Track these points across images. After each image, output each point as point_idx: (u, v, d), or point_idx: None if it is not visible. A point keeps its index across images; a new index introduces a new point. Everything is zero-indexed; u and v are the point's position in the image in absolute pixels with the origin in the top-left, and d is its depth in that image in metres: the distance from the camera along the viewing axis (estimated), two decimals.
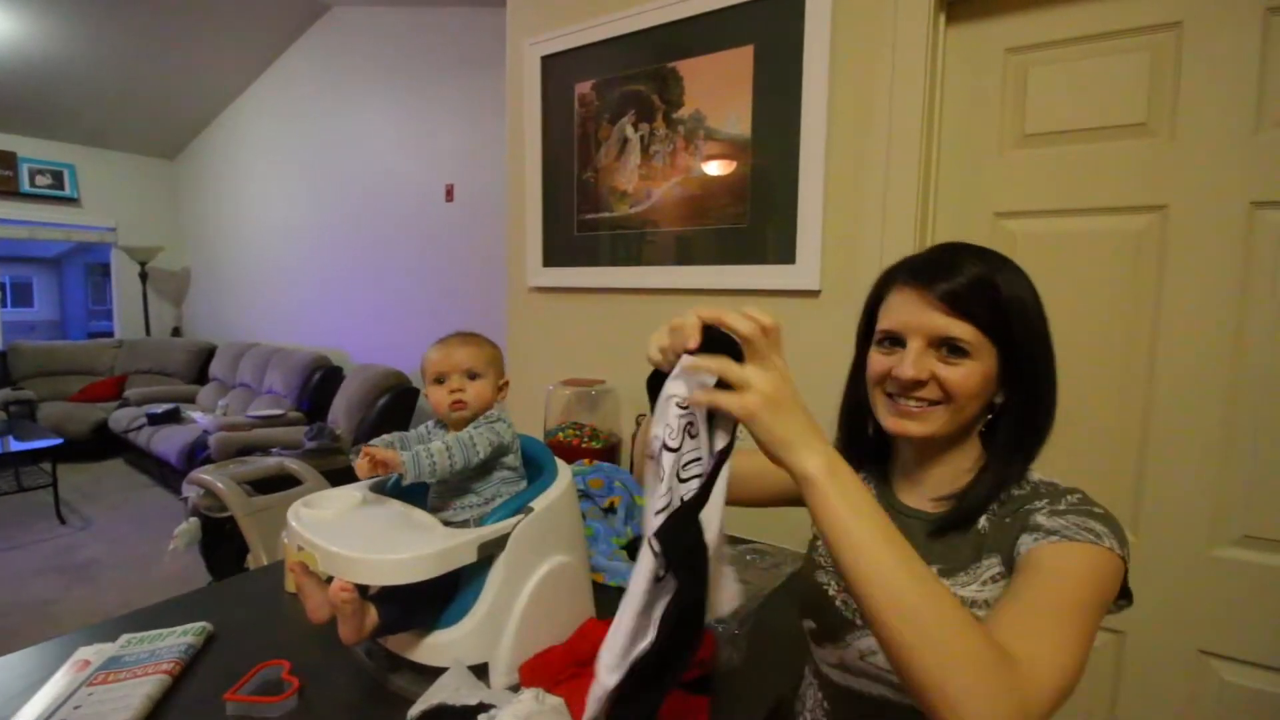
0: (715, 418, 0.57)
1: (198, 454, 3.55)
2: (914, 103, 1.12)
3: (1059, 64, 1.09)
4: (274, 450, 3.15)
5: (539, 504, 0.88)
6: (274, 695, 0.79)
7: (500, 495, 0.92)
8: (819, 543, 0.80)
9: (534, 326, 1.71)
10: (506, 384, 0.99)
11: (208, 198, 5.49)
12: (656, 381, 0.62)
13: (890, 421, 0.67)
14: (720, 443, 0.57)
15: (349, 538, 0.77)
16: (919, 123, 1.12)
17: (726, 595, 0.63)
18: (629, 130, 1.50)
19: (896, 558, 0.50)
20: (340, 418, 3.60)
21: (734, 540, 1.24)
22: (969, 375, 0.62)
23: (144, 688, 0.77)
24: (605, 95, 1.53)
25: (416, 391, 3.65)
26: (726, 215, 1.36)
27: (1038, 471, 0.68)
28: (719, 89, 1.36)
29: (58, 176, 5.11)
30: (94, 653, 0.85)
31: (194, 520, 2.22)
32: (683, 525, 0.55)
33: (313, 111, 4.40)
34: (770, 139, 1.29)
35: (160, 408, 4.22)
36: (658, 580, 0.57)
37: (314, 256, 4.54)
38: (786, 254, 1.28)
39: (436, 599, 0.82)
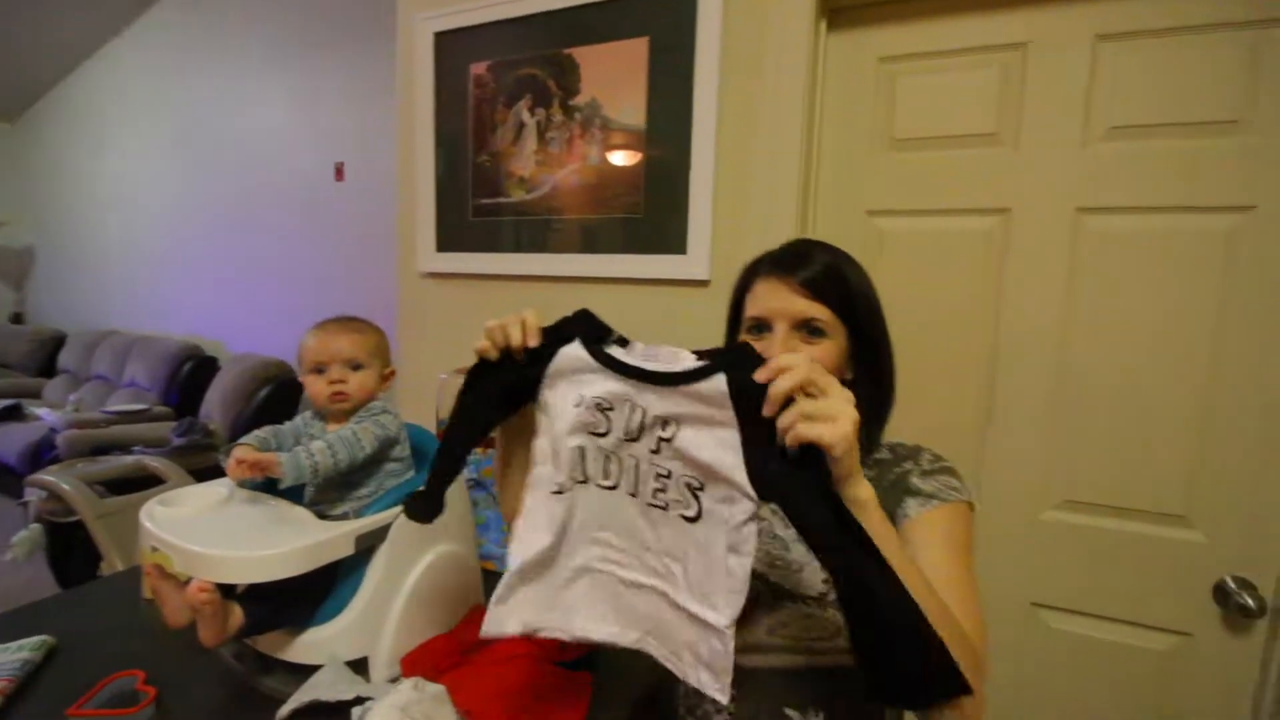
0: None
1: (43, 455, 3.17)
2: (796, 104, 1.18)
3: (923, 75, 1.18)
4: (135, 449, 2.87)
5: None
6: (126, 707, 0.74)
7: (385, 487, 0.90)
8: None
9: (427, 313, 1.66)
10: (392, 373, 0.96)
11: (56, 167, 4.87)
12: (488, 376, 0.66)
13: None
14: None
15: (210, 535, 0.73)
16: (801, 122, 1.18)
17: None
18: (525, 115, 1.48)
19: (912, 577, 0.54)
20: (214, 412, 3.34)
21: None
22: (827, 353, 0.69)
23: None
24: (501, 77, 1.50)
25: (301, 384, 3.44)
26: (623, 204, 1.38)
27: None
28: (615, 79, 1.36)
29: None
30: None
31: (35, 527, 1.99)
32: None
33: (183, 76, 4.00)
34: (664, 131, 1.32)
35: None
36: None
37: (184, 236, 4.15)
38: (679, 244, 1.32)
39: (310, 595, 0.79)
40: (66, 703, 0.73)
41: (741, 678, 0.70)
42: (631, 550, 0.63)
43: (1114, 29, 1.05)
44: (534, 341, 0.64)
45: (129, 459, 2.32)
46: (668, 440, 0.59)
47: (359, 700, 0.71)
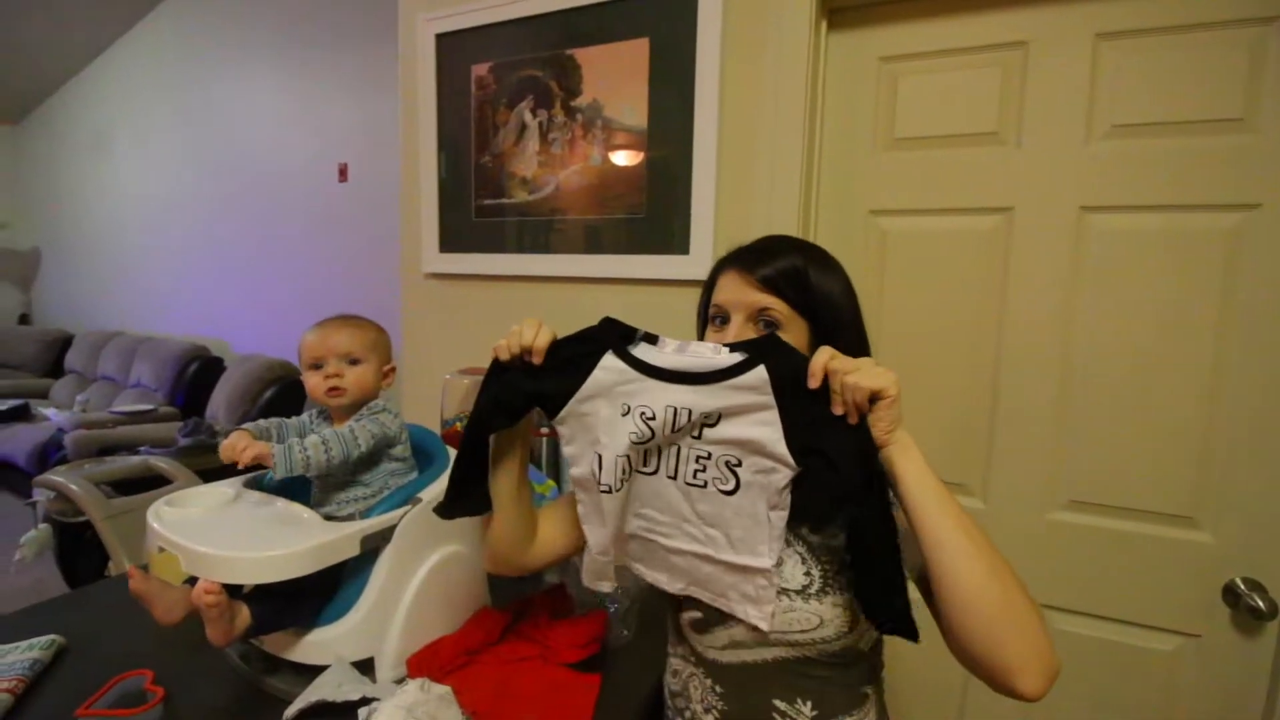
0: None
1: (51, 455, 3.19)
2: (797, 104, 1.18)
3: (925, 74, 1.18)
4: (142, 449, 2.88)
5: (428, 494, 0.87)
6: (135, 707, 0.74)
7: (389, 487, 0.90)
8: None
9: (430, 314, 1.66)
10: (392, 370, 0.96)
11: (61, 169, 4.90)
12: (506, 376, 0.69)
13: None
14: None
15: (217, 536, 0.73)
16: (802, 123, 1.18)
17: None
18: (527, 116, 1.49)
19: (974, 529, 0.59)
20: (220, 412, 3.35)
21: None
22: None
23: None
24: (503, 79, 1.50)
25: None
26: (625, 205, 1.38)
27: None
28: (617, 79, 1.37)
29: None
30: None
31: (44, 527, 2.01)
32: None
33: (188, 78, 4.02)
34: (665, 132, 1.32)
35: (5, 404, 3.75)
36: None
37: (190, 237, 4.17)
38: (681, 245, 1.32)
39: (316, 595, 0.79)
40: (75, 702, 0.74)
41: (727, 674, 0.73)
42: (672, 523, 0.70)
43: (1114, 27, 1.05)
44: (544, 342, 0.67)
45: (136, 459, 2.34)
46: (711, 426, 0.65)
47: (365, 701, 0.71)
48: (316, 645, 0.78)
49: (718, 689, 0.73)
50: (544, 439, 1.40)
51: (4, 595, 2.49)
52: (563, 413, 0.69)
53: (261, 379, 3.38)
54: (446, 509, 0.73)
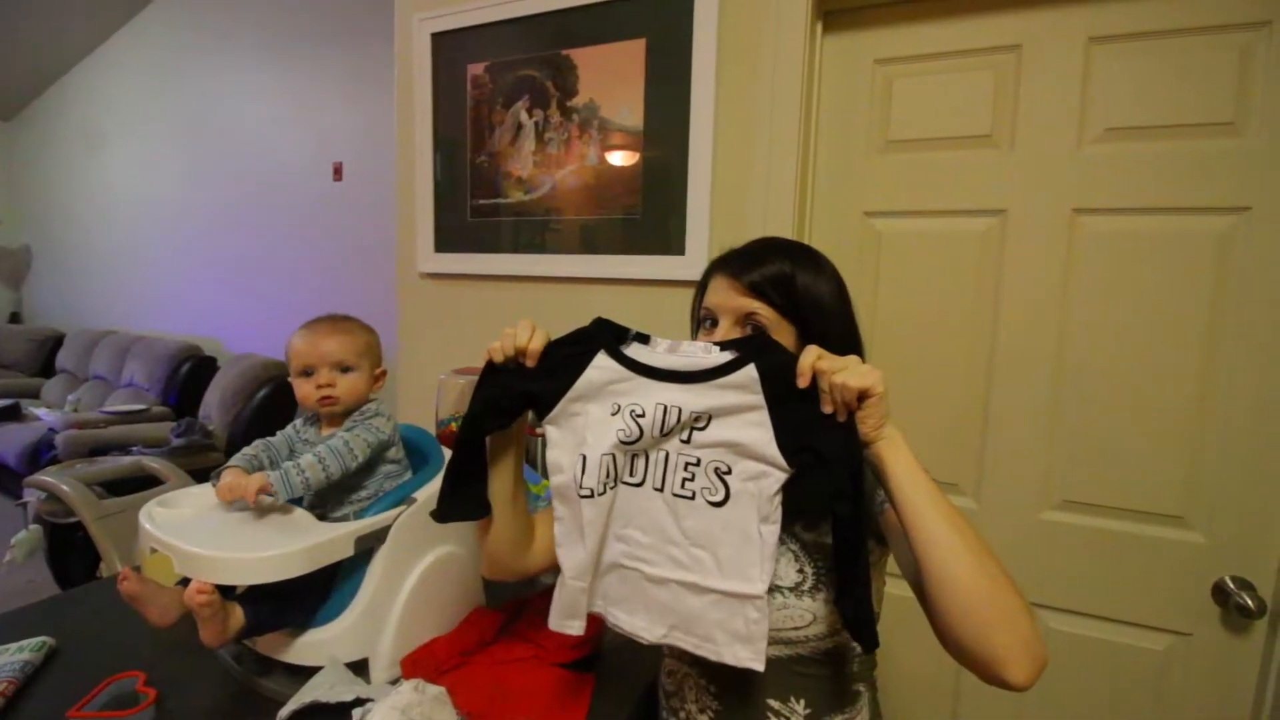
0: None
1: (42, 455, 3.17)
2: (793, 106, 1.19)
3: (919, 77, 1.18)
4: (134, 449, 2.87)
5: (423, 494, 0.87)
6: (127, 709, 0.74)
7: (384, 489, 0.90)
8: None
9: (425, 313, 1.66)
10: (384, 374, 0.94)
11: (53, 166, 4.86)
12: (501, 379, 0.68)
13: None
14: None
15: (209, 537, 0.73)
16: (797, 124, 1.18)
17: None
18: (523, 116, 1.48)
19: (960, 523, 0.59)
20: (214, 412, 3.34)
21: None
22: None
23: None
24: (499, 78, 1.50)
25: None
26: (621, 205, 1.38)
27: None
28: (613, 80, 1.37)
29: None
30: None
31: (35, 528, 1.99)
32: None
33: (181, 75, 4.00)
34: (661, 133, 1.32)
35: None
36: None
37: (183, 235, 4.15)
38: (677, 245, 1.32)
39: (310, 596, 0.79)
40: (67, 704, 0.73)
41: (721, 674, 0.73)
42: (656, 545, 0.66)
43: (1107, 31, 1.05)
44: (538, 344, 0.67)
45: (128, 460, 2.32)
46: (701, 429, 0.64)
47: (359, 702, 0.71)
48: (311, 646, 0.78)
49: (712, 689, 0.74)
50: (539, 439, 1.40)
51: None
52: (554, 412, 0.68)
53: (255, 379, 3.36)
54: (441, 513, 0.71)
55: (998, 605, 0.56)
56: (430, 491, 0.87)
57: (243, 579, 0.72)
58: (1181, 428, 1.06)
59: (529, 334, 0.67)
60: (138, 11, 4.11)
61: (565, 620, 0.69)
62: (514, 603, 0.96)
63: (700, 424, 0.64)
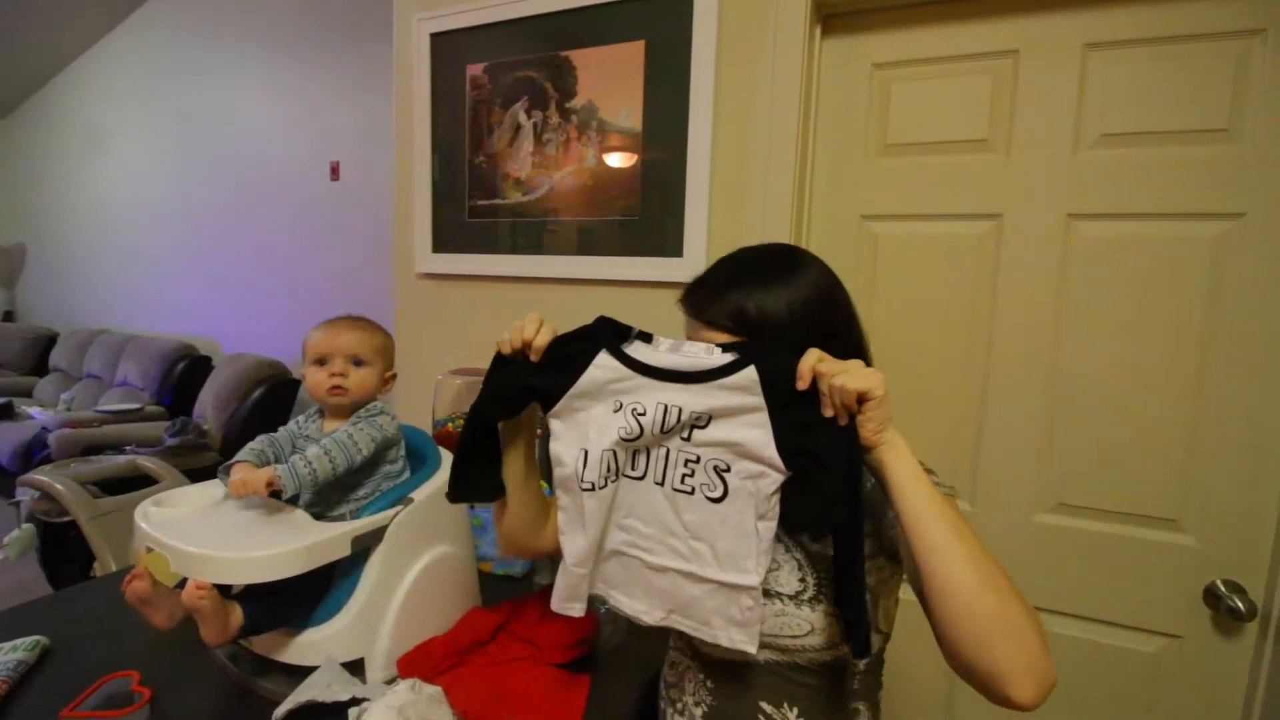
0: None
1: (35, 454, 3.15)
2: (791, 108, 1.19)
3: (917, 81, 1.19)
4: (128, 448, 2.86)
5: (420, 494, 0.87)
6: (121, 709, 0.74)
7: (382, 489, 0.90)
8: None
9: (423, 314, 1.66)
10: (393, 376, 0.96)
11: (47, 164, 4.84)
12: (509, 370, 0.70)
13: None
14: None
15: (205, 536, 0.73)
16: (795, 127, 1.19)
17: None
18: (522, 117, 1.49)
19: (965, 530, 0.58)
20: (208, 412, 3.32)
21: None
22: None
23: None
24: (498, 79, 1.50)
25: (296, 383, 3.43)
26: (619, 207, 1.38)
27: None
28: (612, 82, 1.37)
29: None
30: None
31: (28, 527, 1.98)
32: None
33: (177, 73, 3.99)
34: (660, 135, 1.32)
35: None
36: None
37: (178, 234, 4.14)
38: (675, 247, 1.32)
39: (307, 595, 0.79)
40: (61, 704, 0.73)
41: (719, 671, 0.74)
42: (657, 536, 0.69)
43: (1103, 38, 1.06)
44: (544, 339, 0.68)
45: (122, 459, 2.31)
46: (701, 428, 0.65)
47: (355, 701, 0.71)
48: (307, 646, 0.78)
49: (709, 684, 0.75)
50: (536, 438, 1.40)
51: None
52: (557, 407, 0.69)
53: (251, 378, 3.35)
54: (453, 494, 0.74)
55: (1001, 617, 0.55)
56: (428, 492, 0.87)
57: (239, 578, 0.72)
58: (1174, 432, 1.06)
59: (535, 328, 0.68)
60: (134, 9, 4.10)
61: (567, 603, 0.71)
62: (510, 603, 0.96)
63: (700, 423, 0.65)
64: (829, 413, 0.60)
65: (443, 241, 1.61)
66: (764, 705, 0.71)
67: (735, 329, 0.69)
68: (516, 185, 1.50)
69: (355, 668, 0.79)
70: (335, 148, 3.37)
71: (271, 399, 3.31)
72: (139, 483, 2.24)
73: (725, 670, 0.74)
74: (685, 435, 0.66)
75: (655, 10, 1.30)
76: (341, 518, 0.86)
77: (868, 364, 0.72)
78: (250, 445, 0.86)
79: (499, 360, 0.70)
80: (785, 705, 0.70)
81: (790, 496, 0.64)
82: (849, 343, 0.73)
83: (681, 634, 0.77)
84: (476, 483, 0.74)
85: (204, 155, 3.95)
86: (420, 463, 0.95)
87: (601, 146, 1.39)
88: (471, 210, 1.57)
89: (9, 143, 5.06)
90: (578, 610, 0.70)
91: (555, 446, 0.70)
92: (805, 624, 0.69)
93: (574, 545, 0.69)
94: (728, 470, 0.64)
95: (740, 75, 1.23)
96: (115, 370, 3.92)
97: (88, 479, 2.09)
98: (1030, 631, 0.55)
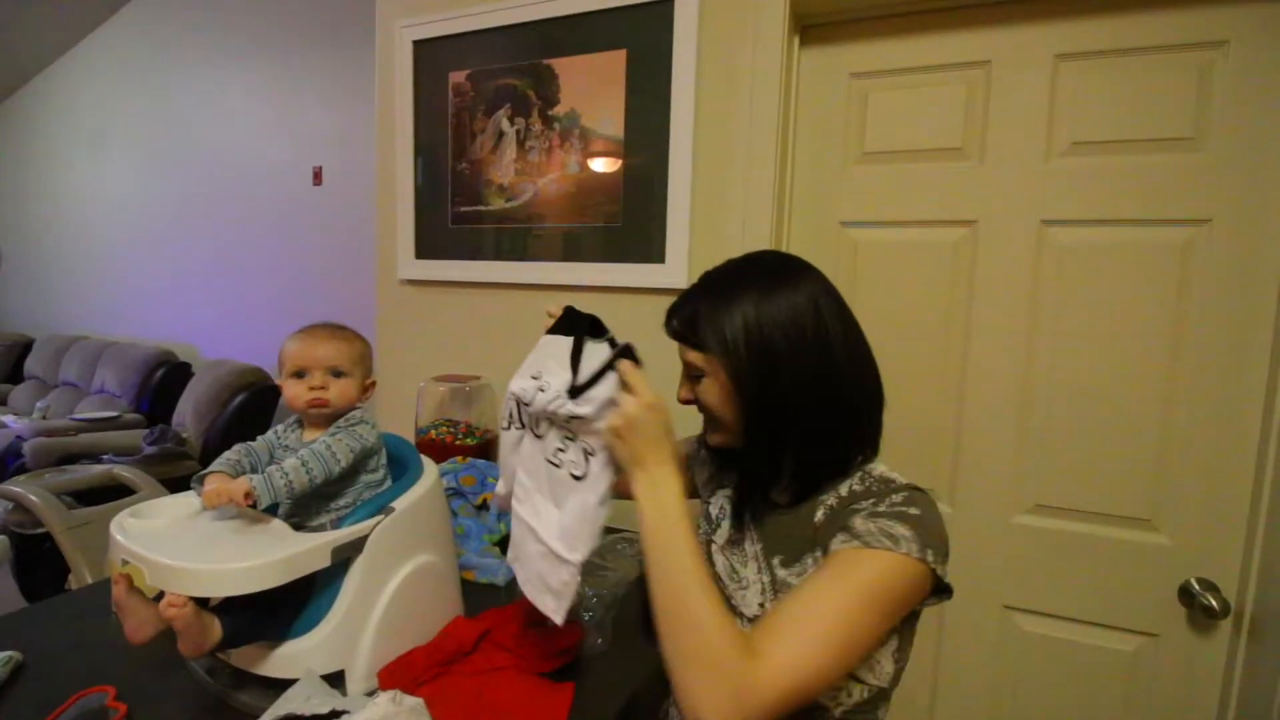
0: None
1: (10, 463, 3.09)
2: (771, 117, 1.20)
3: (893, 90, 1.21)
4: (105, 457, 2.81)
5: (401, 503, 0.86)
6: None
7: (363, 498, 0.89)
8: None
9: (405, 320, 1.65)
10: (373, 384, 0.95)
11: (23, 168, 4.75)
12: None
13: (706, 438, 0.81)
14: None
15: (183, 548, 0.72)
16: (775, 135, 1.20)
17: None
18: (505, 124, 1.49)
19: (670, 565, 0.63)
20: (188, 419, 3.28)
21: (607, 530, 1.27)
22: (706, 390, 0.74)
23: None
24: (480, 86, 1.51)
25: (277, 390, 3.38)
26: (602, 213, 1.39)
27: (884, 464, 0.74)
28: (594, 89, 1.38)
29: None
30: None
31: (1, 539, 1.94)
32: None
33: (157, 77, 3.94)
34: (642, 142, 1.33)
35: None
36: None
37: (158, 239, 4.08)
38: (658, 253, 1.33)
39: (287, 607, 0.78)
40: None
41: None
42: (530, 488, 0.79)
43: (1073, 49, 1.09)
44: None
45: (99, 469, 2.27)
46: (579, 418, 0.70)
47: (335, 714, 0.70)
48: (286, 658, 0.77)
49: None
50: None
51: None
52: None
53: (231, 385, 3.31)
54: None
55: (681, 651, 0.60)
56: (409, 501, 0.87)
57: (217, 591, 0.71)
58: (1147, 432, 1.09)
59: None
60: (114, 12, 4.04)
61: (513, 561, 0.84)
62: (492, 612, 0.96)
63: (575, 420, 0.71)
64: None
65: (425, 247, 1.61)
66: None
67: (694, 340, 0.73)
68: (500, 191, 1.50)
69: (335, 680, 0.79)
70: (317, 152, 3.34)
71: (252, 406, 3.26)
72: (116, 493, 2.21)
73: None
74: (567, 418, 0.71)
75: (636, 20, 1.31)
76: (322, 527, 0.85)
77: (794, 394, 0.70)
78: (226, 455, 0.85)
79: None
80: None
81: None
82: (818, 365, 0.69)
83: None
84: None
85: (184, 160, 3.90)
86: (402, 471, 0.94)
87: (584, 153, 1.40)
88: (454, 216, 1.56)
89: None
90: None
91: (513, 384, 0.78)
92: None
93: (503, 486, 0.85)
94: (593, 454, 0.71)
95: (720, 84, 1.25)
96: (92, 377, 3.85)
97: (63, 489, 2.06)
98: (709, 667, 0.58)
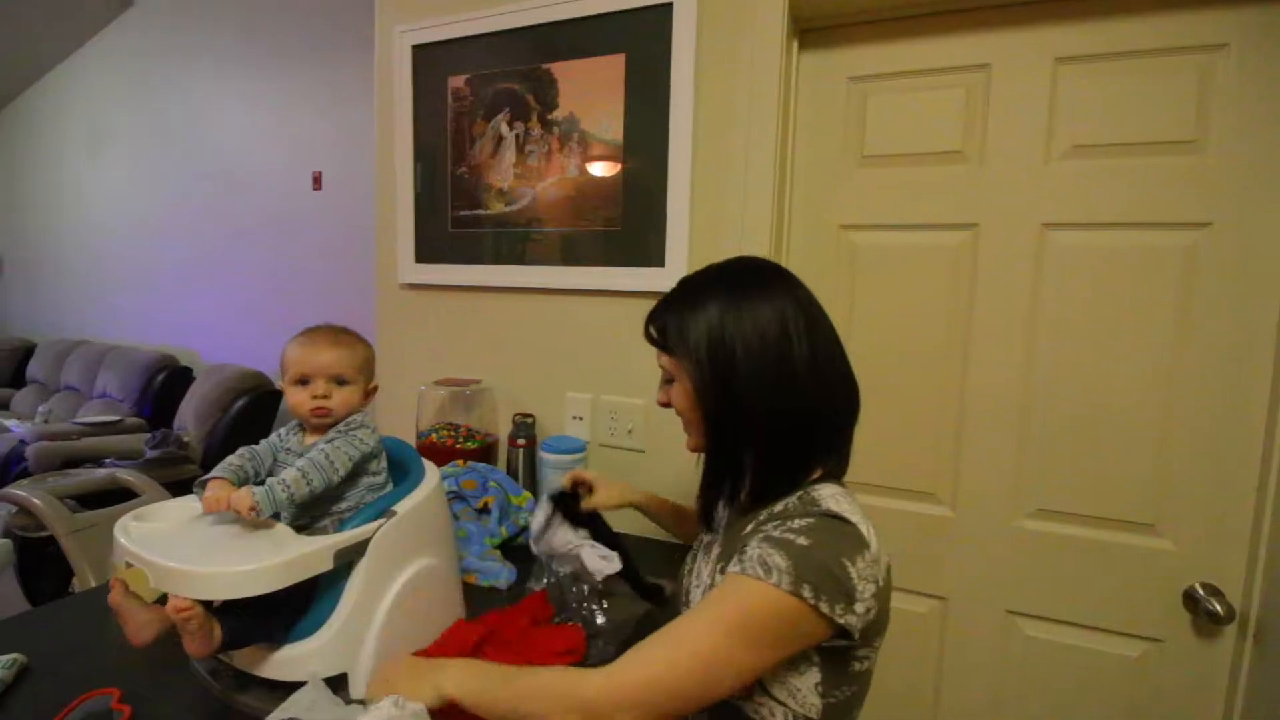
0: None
1: (12, 467, 3.09)
2: (770, 121, 1.21)
3: (892, 94, 1.21)
4: (107, 461, 2.81)
5: (403, 507, 0.86)
6: None
7: (364, 501, 0.89)
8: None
9: (406, 325, 1.66)
10: (375, 389, 0.95)
11: (24, 173, 4.77)
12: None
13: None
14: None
15: (186, 551, 0.72)
16: (774, 138, 1.21)
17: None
18: (504, 128, 1.49)
19: (500, 700, 0.66)
20: (189, 423, 3.28)
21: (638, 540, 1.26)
22: (675, 394, 0.78)
23: None
24: (480, 91, 1.51)
25: (278, 394, 3.39)
26: (601, 217, 1.39)
27: (835, 485, 0.72)
28: (593, 94, 1.38)
29: None
30: None
31: (5, 543, 1.95)
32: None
33: (156, 83, 3.95)
34: (641, 146, 1.33)
35: None
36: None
37: (159, 244, 4.09)
38: (657, 257, 1.33)
39: (290, 610, 0.78)
40: None
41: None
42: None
43: (1073, 52, 1.09)
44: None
45: (102, 473, 2.28)
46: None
47: None
48: (289, 661, 0.77)
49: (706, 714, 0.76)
50: (519, 449, 1.40)
51: None
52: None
53: (232, 389, 3.31)
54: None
55: (544, 711, 0.63)
56: (411, 504, 0.87)
57: (220, 593, 0.72)
58: (1150, 437, 1.08)
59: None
60: (114, 18, 4.06)
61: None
62: (496, 613, 0.96)
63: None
64: None
65: (426, 252, 1.61)
66: None
67: (663, 344, 0.78)
68: (499, 196, 1.51)
69: (337, 683, 0.79)
70: (317, 157, 3.35)
71: (253, 410, 3.27)
72: (119, 496, 2.21)
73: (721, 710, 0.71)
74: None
75: (635, 24, 1.31)
76: (324, 531, 0.85)
77: (749, 406, 0.70)
78: (229, 460, 0.85)
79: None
80: None
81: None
82: (773, 385, 0.69)
83: None
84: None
85: (185, 164, 3.91)
86: (404, 474, 0.95)
87: (583, 157, 1.40)
88: (454, 220, 1.57)
89: None
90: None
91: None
92: None
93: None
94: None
95: (719, 88, 1.25)
96: (94, 382, 3.86)
97: (66, 493, 2.06)
98: (557, 700, 0.62)
